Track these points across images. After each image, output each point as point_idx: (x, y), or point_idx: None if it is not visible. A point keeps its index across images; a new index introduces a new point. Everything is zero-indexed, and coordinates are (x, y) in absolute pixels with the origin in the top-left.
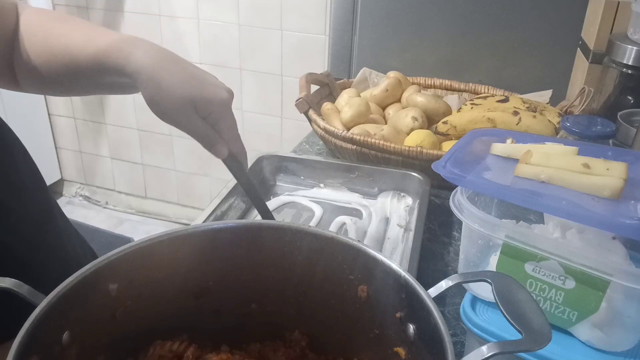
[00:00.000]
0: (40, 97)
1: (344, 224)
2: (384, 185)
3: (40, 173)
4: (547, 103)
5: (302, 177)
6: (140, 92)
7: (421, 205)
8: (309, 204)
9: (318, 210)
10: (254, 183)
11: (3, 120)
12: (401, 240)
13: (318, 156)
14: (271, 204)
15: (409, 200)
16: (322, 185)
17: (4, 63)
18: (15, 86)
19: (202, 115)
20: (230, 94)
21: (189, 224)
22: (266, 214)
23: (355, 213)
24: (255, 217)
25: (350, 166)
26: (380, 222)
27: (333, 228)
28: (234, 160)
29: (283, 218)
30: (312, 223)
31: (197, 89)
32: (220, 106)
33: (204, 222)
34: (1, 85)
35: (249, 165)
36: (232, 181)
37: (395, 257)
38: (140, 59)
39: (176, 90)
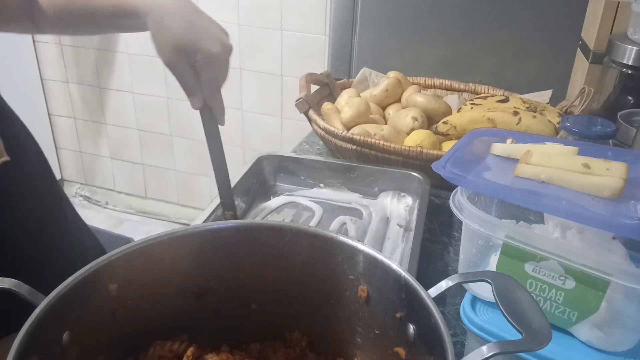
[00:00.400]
0: (40, 97)
1: (344, 223)
2: (384, 185)
3: (50, 169)
4: (547, 103)
5: (302, 177)
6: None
7: (421, 205)
8: (309, 204)
9: (318, 210)
10: (222, 147)
11: (17, 116)
12: (401, 240)
13: (318, 156)
14: (271, 204)
15: (409, 200)
16: (322, 185)
17: (24, 10)
18: (35, 29)
19: (191, 62)
20: (225, 49)
21: (189, 224)
22: (224, 185)
23: (355, 213)
24: (256, 217)
25: (350, 166)
26: (380, 222)
27: (333, 228)
28: (209, 114)
29: (283, 218)
30: (312, 223)
31: (192, 37)
32: (206, 56)
33: (204, 222)
34: (21, 31)
35: (250, 165)
36: (232, 181)
37: (395, 257)
38: (153, 3)
39: (173, 35)
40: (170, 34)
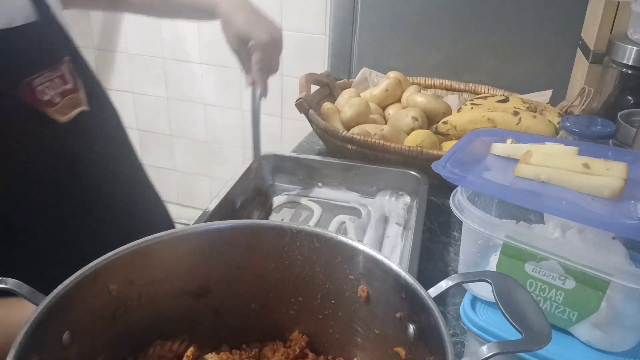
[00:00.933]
0: None
1: (343, 222)
2: (382, 184)
3: (124, 130)
4: (547, 103)
5: (300, 177)
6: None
7: (420, 203)
8: (307, 203)
9: (317, 210)
10: (260, 114)
11: (97, 77)
12: (400, 239)
13: (316, 155)
14: (270, 204)
15: (407, 198)
16: (320, 184)
17: None
18: (111, 8)
19: (247, 46)
20: (274, 40)
21: (189, 224)
22: (256, 146)
23: (354, 212)
24: (255, 216)
25: (348, 165)
26: (379, 221)
27: (332, 227)
28: (256, 89)
29: (282, 218)
30: (312, 222)
31: (249, 28)
32: (257, 42)
33: (204, 222)
34: (99, 8)
35: (248, 165)
36: (232, 181)
37: (395, 255)
38: (224, 5)
39: (237, 28)
40: (236, 27)
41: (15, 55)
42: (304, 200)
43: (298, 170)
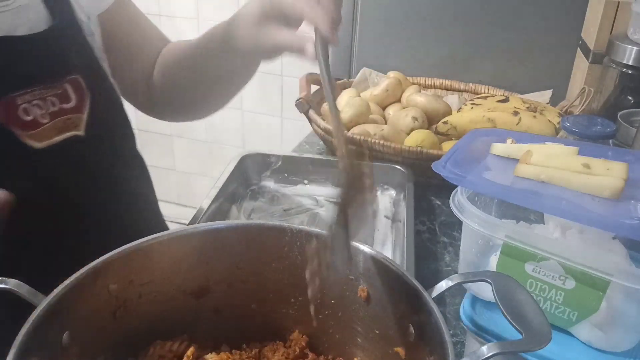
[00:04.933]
0: None
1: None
2: None
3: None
4: (547, 103)
5: (286, 175)
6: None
7: (408, 200)
8: (295, 200)
9: (305, 207)
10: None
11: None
12: (390, 232)
13: (300, 153)
14: (258, 203)
15: (392, 192)
16: (306, 181)
17: (143, 83)
18: (149, 111)
19: None
20: None
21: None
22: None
23: None
24: (246, 216)
25: (333, 161)
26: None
27: (322, 223)
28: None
29: (270, 216)
30: (300, 220)
31: None
32: None
33: (200, 220)
34: (137, 105)
35: (234, 164)
36: (220, 180)
37: (387, 247)
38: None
39: None
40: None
41: (4, 67)
42: (291, 198)
43: (283, 168)
